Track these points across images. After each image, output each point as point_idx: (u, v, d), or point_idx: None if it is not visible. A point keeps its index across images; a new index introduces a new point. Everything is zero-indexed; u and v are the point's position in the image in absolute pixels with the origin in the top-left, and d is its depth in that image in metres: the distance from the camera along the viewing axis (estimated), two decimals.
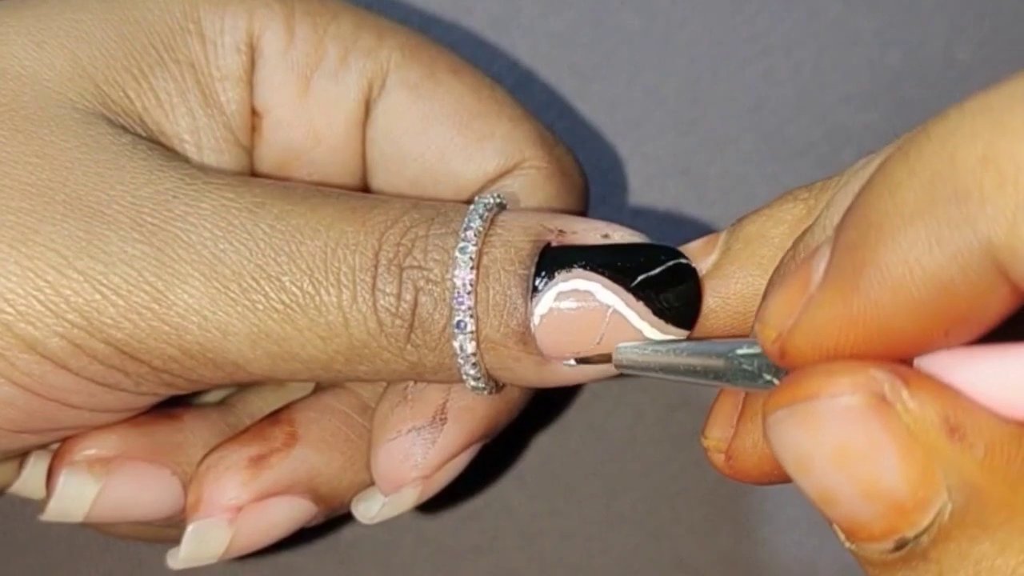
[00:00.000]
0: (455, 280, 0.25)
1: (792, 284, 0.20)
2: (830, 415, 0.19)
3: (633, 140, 0.38)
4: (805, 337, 0.20)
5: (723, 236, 0.27)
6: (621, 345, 0.25)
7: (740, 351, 0.23)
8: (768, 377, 0.22)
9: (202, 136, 0.29)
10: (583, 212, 0.32)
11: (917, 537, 0.18)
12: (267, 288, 0.25)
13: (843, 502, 0.19)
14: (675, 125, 0.38)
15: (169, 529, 0.30)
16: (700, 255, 0.27)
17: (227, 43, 0.29)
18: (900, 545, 0.19)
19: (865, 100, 0.38)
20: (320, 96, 0.30)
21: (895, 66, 0.38)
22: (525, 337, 0.25)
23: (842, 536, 0.20)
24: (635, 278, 0.25)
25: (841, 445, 0.18)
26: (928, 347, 0.19)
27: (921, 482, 0.18)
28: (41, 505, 0.29)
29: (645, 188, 0.38)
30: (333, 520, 0.31)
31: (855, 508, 0.19)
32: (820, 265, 0.20)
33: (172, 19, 0.29)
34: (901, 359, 0.19)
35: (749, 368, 0.23)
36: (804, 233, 0.24)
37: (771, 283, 0.25)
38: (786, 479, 0.20)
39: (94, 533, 0.32)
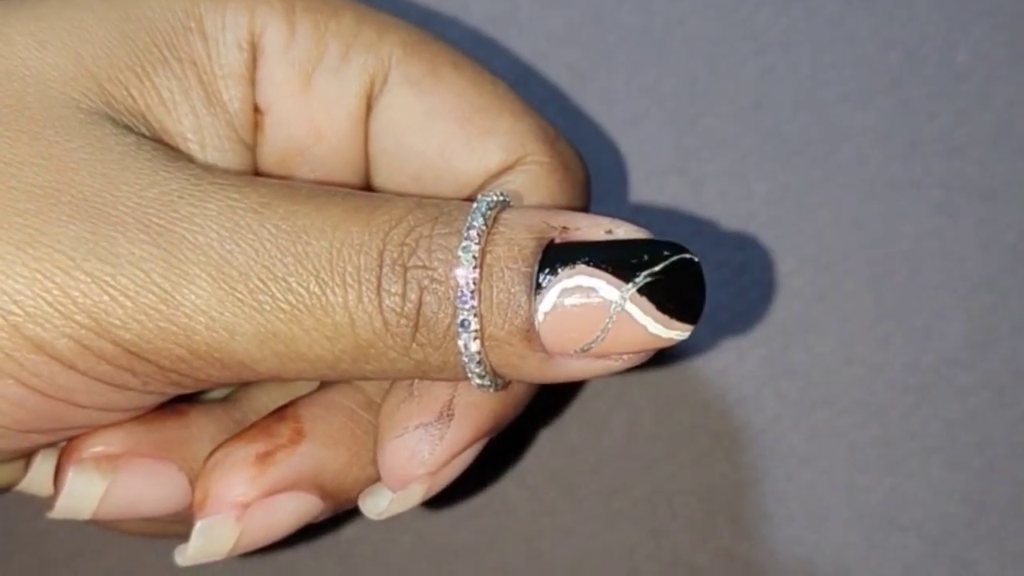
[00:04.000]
0: (458, 279, 0.25)
1: None
2: None
3: (632, 138, 0.38)
4: None
5: None
6: None
7: None
8: None
9: (205, 134, 0.29)
10: (586, 206, 0.32)
11: None
12: (274, 289, 0.25)
13: None
14: (674, 123, 0.38)
15: (174, 525, 0.30)
16: None
17: (229, 40, 0.29)
18: None
19: (864, 99, 0.38)
20: (322, 92, 0.30)
21: (894, 66, 0.38)
22: (529, 334, 0.26)
23: None
24: (638, 274, 0.25)
25: None
26: None
27: None
28: (47, 502, 0.29)
29: (644, 186, 0.38)
30: (333, 518, 0.31)
31: None
32: None
33: (174, 17, 0.29)
34: None
35: None
36: None
37: None
38: None
39: (94, 532, 0.32)
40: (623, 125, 0.38)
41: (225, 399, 0.31)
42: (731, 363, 0.37)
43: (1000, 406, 0.36)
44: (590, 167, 0.32)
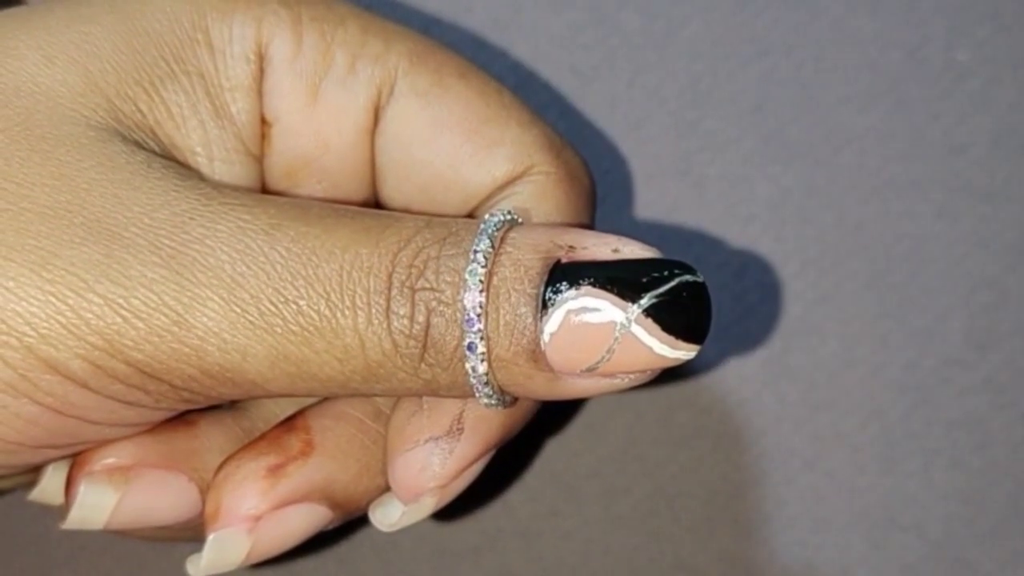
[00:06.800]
0: (465, 303, 0.25)
1: None
2: None
3: (633, 141, 0.38)
4: None
5: None
6: None
7: None
8: None
9: (213, 147, 0.29)
10: (592, 216, 0.32)
11: None
12: (285, 312, 0.25)
13: None
14: (675, 126, 0.38)
15: (184, 531, 0.31)
16: None
17: (236, 52, 0.29)
18: None
19: (865, 101, 0.38)
20: (329, 103, 0.30)
21: (895, 67, 0.38)
22: (536, 355, 0.26)
23: None
24: (644, 295, 0.25)
25: None
26: None
27: None
28: (57, 511, 0.30)
29: (645, 189, 0.38)
30: (341, 525, 0.32)
31: None
32: None
33: (181, 30, 0.29)
34: None
35: None
36: None
37: None
38: None
39: (95, 533, 0.32)
40: (625, 127, 0.38)
41: (234, 407, 0.32)
42: (732, 365, 0.37)
43: (1000, 406, 0.37)
44: (593, 170, 0.33)
